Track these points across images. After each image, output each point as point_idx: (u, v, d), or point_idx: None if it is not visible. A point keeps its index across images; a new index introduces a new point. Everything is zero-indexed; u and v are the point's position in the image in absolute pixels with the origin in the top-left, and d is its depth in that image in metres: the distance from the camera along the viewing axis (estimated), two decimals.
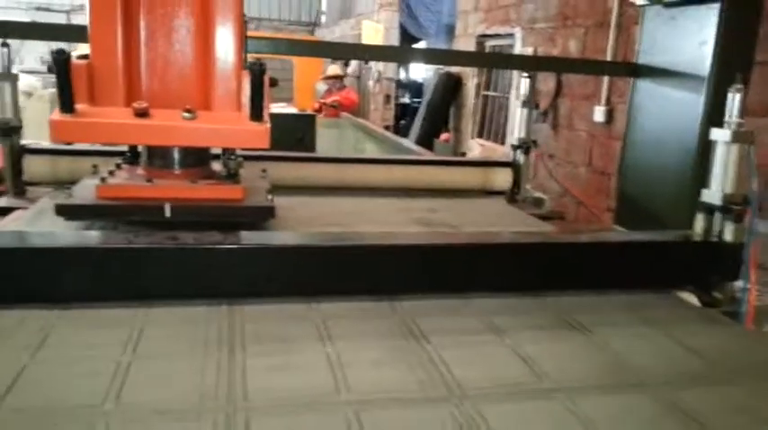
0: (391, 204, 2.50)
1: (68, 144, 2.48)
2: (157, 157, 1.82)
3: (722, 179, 1.76)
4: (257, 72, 1.62)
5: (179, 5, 1.71)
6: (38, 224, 1.90)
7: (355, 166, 2.75)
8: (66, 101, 1.53)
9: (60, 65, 1.52)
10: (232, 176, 1.84)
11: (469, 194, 2.81)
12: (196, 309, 1.37)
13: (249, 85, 1.64)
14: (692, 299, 1.74)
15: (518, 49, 6.51)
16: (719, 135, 1.77)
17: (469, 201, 2.68)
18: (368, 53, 4.26)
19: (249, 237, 1.53)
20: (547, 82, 5.77)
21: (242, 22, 1.77)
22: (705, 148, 1.92)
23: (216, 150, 1.95)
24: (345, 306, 1.46)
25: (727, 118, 1.75)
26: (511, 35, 6.81)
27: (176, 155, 1.80)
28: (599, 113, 4.99)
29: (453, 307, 1.51)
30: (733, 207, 1.74)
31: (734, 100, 1.74)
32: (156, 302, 1.39)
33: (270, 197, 1.83)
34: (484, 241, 1.74)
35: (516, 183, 2.88)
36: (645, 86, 2.70)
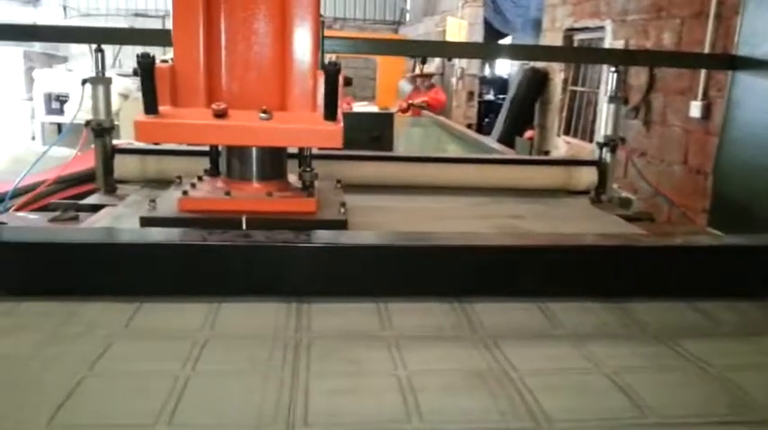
0: (470, 206, 2.45)
1: (156, 144, 2.58)
2: (236, 170, 1.86)
3: None
4: (331, 72, 1.62)
5: (258, 9, 1.74)
6: (122, 221, 1.99)
7: (432, 166, 2.71)
8: (150, 103, 1.58)
9: (145, 68, 1.57)
10: (307, 189, 1.87)
11: (552, 195, 2.72)
12: (263, 321, 1.34)
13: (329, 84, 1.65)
14: None
15: (608, 42, 6.26)
16: None
17: (552, 203, 2.58)
18: (449, 50, 4.22)
19: (320, 236, 1.54)
20: (638, 76, 5.51)
21: (318, 23, 1.77)
22: None
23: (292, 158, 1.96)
24: (420, 322, 1.38)
25: None
26: (601, 28, 6.56)
27: (254, 167, 1.84)
28: (695, 109, 4.71)
29: (539, 326, 1.40)
30: None
31: None
32: (225, 307, 1.39)
33: (343, 210, 1.84)
34: (564, 243, 1.66)
35: (602, 182, 2.75)
36: (744, 80, 2.52)
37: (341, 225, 1.79)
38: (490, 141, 5.28)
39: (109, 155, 2.49)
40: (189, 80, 1.69)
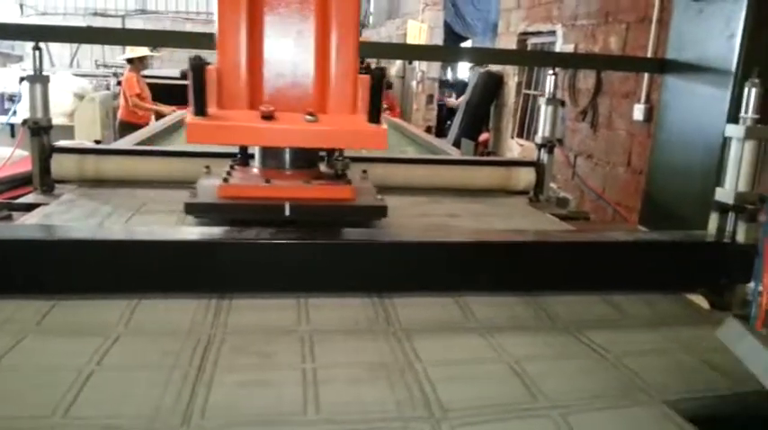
0: (409, 206, 2.48)
1: (97, 143, 2.57)
2: (272, 159, 1.87)
3: (736, 177, 1.68)
4: (377, 76, 1.66)
5: (300, 14, 1.75)
6: (53, 220, 1.98)
7: (374, 166, 2.74)
8: (200, 105, 1.57)
9: (197, 70, 1.56)
10: (341, 177, 1.89)
11: (492, 194, 2.77)
12: (180, 317, 1.35)
13: (366, 88, 1.68)
14: (702, 301, 1.67)
15: (559, 46, 6.38)
16: (734, 131, 1.70)
17: (489, 202, 2.63)
18: (408, 53, 4.29)
19: (241, 233, 1.56)
20: (586, 80, 5.64)
21: (358, 28, 1.80)
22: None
23: None
24: (337, 317, 1.41)
25: (742, 113, 1.68)
26: (552, 32, 6.69)
27: (290, 157, 1.85)
28: (638, 112, 4.84)
29: (453, 319, 1.44)
30: (746, 206, 1.67)
31: (749, 94, 1.67)
32: (144, 304, 1.39)
33: (380, 197, 1.87)
34: (483, 239, 1.71)
35: (540, 182, 2.82)
36: (673, 83, 2.62)
37: (381, 211, 1.81)
38: (443, 144, 5.33)
39: (46, 154, 2.46)
40: (233, 82, 1.69)
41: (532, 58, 4.47)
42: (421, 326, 1.38)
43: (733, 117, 2.08)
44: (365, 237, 1.64)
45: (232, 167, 1.95)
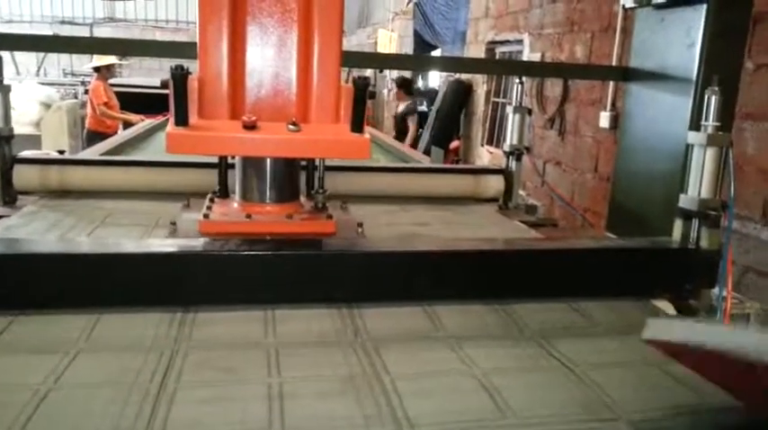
0: (379, 214, 2.48)
1: (61, 153, 2.52)
2: (252, 192, 1.84)
3: (698, 184, 1.71)
4: (361, 86, 1.64)
5: (283, 23, 1.73)
6: (13, 232, 1.93)
7: (343, 175, 2.74)
8: (181, 115, 1.54)
9: (178, 80, 1.52)
10: (321, 210, 1.87)
11: (462, 202, 2.78)
12: (143, 331, 1.32)
13: (349, 97, 1.67)
14: (668, 307, 1.70)
15: (526, 55, 6.47)
16: (695, 138, 1.73)
17: (459, 210, 2.64)
18: (381, 61, 4.31)
19: (206, 245, 1.54)
20: (553, 88, 5.72)
21: (341, 37, 1.78)
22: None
23: None
24: (304, 329, 1.39)
25: (703, 121, 1.71)
26: (520, 41, 6.78)
27: (271, 190, 1.82)
28: (604, 119, 4.92)
29: (422, 329, 1.43)
30: (710, 212, 1.70)
31: (710, 102, 1.70)
32: (105, 319, 1.36)
33: (360, 230, 1.85)
34: (451, 248, 1.71)
35: (508, 190, 2.84)
36: (635, 90, 2.66)
37: None
38: (414, 152, 5.34)
39: (8, 165, 2.41)
40: (214, 92, 1.67)
41: (501, 66, 4.50)
42: (389, 338, 1.37)
43: (695, 124, 2.13)
44: (333, 247, 1.63)
45: (212, 200, 1.92)
